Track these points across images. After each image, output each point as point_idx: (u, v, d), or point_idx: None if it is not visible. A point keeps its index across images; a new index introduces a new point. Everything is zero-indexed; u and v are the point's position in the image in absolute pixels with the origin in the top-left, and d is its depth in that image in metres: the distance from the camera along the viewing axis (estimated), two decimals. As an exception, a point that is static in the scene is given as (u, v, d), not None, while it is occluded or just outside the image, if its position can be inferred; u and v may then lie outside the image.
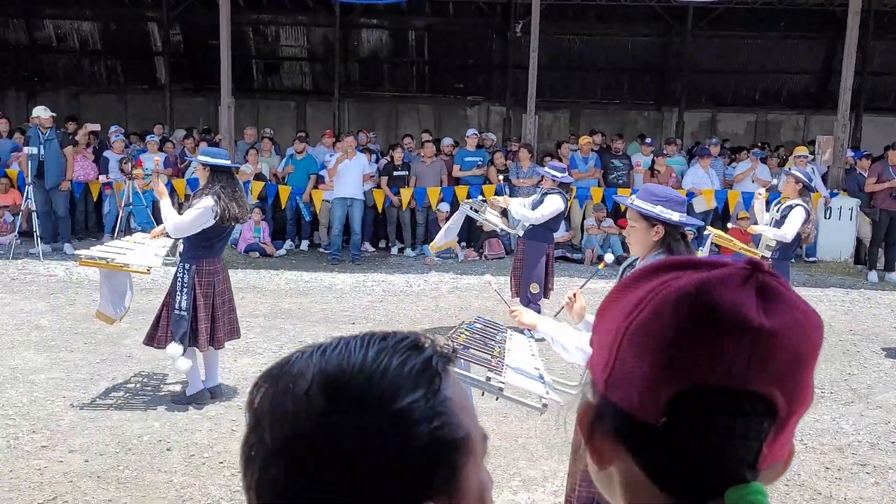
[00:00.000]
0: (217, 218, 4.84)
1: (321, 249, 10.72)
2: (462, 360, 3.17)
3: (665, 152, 11.25)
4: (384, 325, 7.16)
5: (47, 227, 9.72)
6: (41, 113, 9.59)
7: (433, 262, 10.07)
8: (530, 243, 6.58)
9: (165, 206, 4.97)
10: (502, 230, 7.45)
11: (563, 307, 3.21)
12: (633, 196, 2.96)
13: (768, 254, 5.87)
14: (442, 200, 10.51)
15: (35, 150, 9.42)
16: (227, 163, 5.03)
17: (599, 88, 17.08)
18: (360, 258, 10.15)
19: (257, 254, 10.05)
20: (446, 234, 7.41)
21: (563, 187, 6.56)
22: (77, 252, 7.42)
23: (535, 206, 6.59)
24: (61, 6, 16.03)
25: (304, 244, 10.87)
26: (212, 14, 15.63)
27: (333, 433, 0.63)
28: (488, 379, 2.70)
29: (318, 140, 12.05)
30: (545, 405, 2.68)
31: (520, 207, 6.54)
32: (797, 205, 5.80)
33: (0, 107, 16.19)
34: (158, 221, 9.97)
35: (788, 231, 5.75)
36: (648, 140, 11.99)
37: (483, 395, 2.82)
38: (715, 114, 16.72)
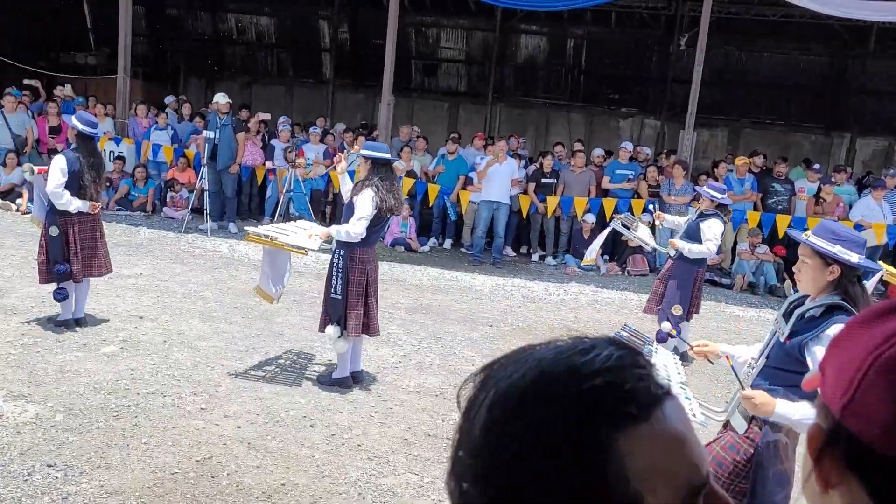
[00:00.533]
0: (376, 209, 5.05)
1: (463, 249, 10.89)
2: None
3: (833, 180, 10.54)
4: (522, 331, 7.19)
5: (216, 206, 10.48)
6: (220, 99, 10.35)
7: (574, 272, 9.98)
8: (681, 264, 6.37)
9: (334, 229, 5.22)
10: (652, 248, 7.27)
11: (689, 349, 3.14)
12: (809, 232, 2.81)
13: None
14: (588, 211, 10.39)
15: (212, 134, 10.18)
16: (388, 156, 5.23)
17: (763, 107, 16.25)
18: (500, 262, 10.23)
19: (402, 248, 10.36)
20: (593, 248, 7.34)
21: (721, 209, 6.31)
22: (243, 230, 7.95)
23: (691, 228, 6.38)
24: (245, 1, 17.20)
25: (448, 243, 11.08)
26: (379, 14, 16.29)
27: (537, 436, 0.66)
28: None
29: (469, 142, 12.24)
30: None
31: (688, 245, 6.30)
32: None
33: (183, 92, 17.64)
34: (315, 209, 10.52)
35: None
36: (816, 166, 11.29)
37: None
38: (892, 143, 15.47)
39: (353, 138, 11.40)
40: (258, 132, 11.47)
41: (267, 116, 11.82)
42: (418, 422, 4.90)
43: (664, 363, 3.22)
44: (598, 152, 11.47)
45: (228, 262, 8.89)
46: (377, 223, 5.17)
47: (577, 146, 11.38)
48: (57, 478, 3.77)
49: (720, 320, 8.43)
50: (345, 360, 5.35)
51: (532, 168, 11.08)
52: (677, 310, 6.22)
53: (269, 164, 11.14)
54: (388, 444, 4.53)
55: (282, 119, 12.37)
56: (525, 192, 10.70)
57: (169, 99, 13.35)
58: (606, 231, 7.01)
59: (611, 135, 16.70)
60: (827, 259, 2.69)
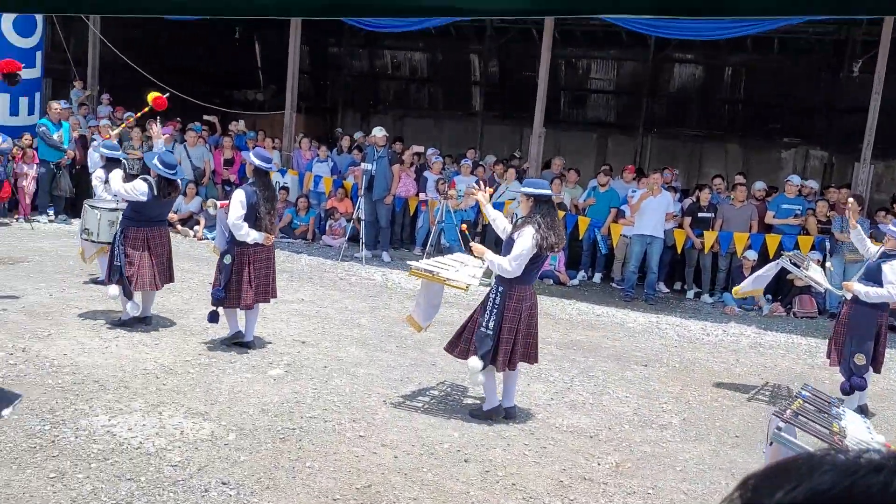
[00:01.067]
0: (536, 247, 5.03)
1: (613, 284, 10.63)
2: (795, 428, 2.93)
3: None
4: (679, 372, 6.89)
5: (370, 235, 10.86)
6: (378, 132, 10.77)
7: (733, 312, 9.46)
8: (860, 309, 5.87)
9: (490, 256, 5.26)
10: (825, 289, 6.77)
11: None
12: None
13: None
14: (749, 248, 9.85)
15: (369, 166, 10.59)
16: (549, 192, 5.21)
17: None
18: (653, 298, 9.88)
19: (551, 281, 10.26)
20: (755, 282, 6.93)
21: (908, 250, 5.78)
22: (395, 259, 8.10)
23: (870, 269, 5.87)
24: (401, 38, 17.90)
25: (598, 277, 10.86)
26: (528, 47, 16.45)
27: None
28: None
29: (618, 174, 12.00)
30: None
31: (865, 287, 5.81)
32: None
33: (340, 125, 18.55)
34: (465, 240, 10.64)
35: None
36: None
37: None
38: None
39: (503, 170, 11.48)
40: (412, 164, 11.81)
41: (420, 149, 12.16)
42: (573, 464, 4.78)
43: (857, 427, 2.96)
44: (759, 185, 10.88)
45: (382, 290, 9.16)
46: (536, 260, 5.14)
47: (739, 179, 10.84)
48: (230, 496, 3.98)
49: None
50: (491, 391, 5.34)
51: (688, 201, 10.67)
52: (860, 359, 5.72)
53: (421, 196, 11.43)
54: (543, 486, 4.45)
55: (432, 151, 12.68)
56: (680, 226, 10.31)
57: (339, 131, 14.06)
58: (770, 266, 6.58)
59: (771, 167, 15.80)
60: None
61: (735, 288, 7.12)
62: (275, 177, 11.65)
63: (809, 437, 2.80)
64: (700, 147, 16.75)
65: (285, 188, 11.93)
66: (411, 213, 11.82)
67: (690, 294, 10.40)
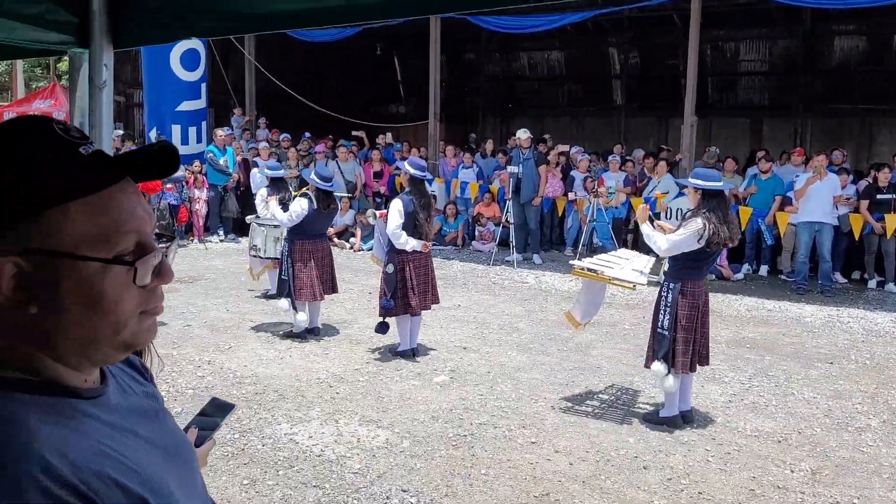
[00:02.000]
0: (703, 241, 4.76)
1: (782, 277, 9.94)
2: None
3: None
4: (872, 370, 6.30)
5: (520, 239, 10.79)
6: (522, 135, 10.69)
7: (926, 301, 8.59)
8: None
9: (646, 229, 5.04)
10: None
11: None
12: None
13: None
14: (940, 229, 8.91)
15: (515, 169, 10.53)
16: (719, 185, 4.91)
17: None
18: (830, 289, 9.15)
19: (714, 276, 9.73)
20: None
21: None
22: (546, 261, 7.96)
23: None
24: (536, 39, 17.77)
25: (764, 269, 10.20)
26: (669, 35, 15.81)
27: None
28: None
29: (779, 158, 11.24)
30: None
31: None
32: None
33: (481, 129, 18.66)
34: (617, 237, 10.36)
35: None
36: None
37: None
38: None
39: (653, 164, 11.07)
40: (557, 164, 11.63)
41: (566, 148, 11.97)
42: (763, 471, 4.46)
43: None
44: (949, 160, 9.83)
45: (536, 293, 9.05)
46: (708, 255, 4.86)
47: (923, 154, 9.84)
48: (412, 503, 4.01)
49: None
50: (673, 398, 5.07)
51: (864, 183, 9.80)
52: None
53: (570, 195, 11.23)
54: (732, 495, 4.17)
55: (577, 149, 12.43)
56: (857, 210, 9.49)
57: (472, 136, 14.16)
58: None
59: (954, 138, 14.33)
60: None
61: None
62: (423, 185, 11.88)
63: None
64: (869, 124, 15.42)
65: (433, 196, 12.09)
66: (560, 214, 11.64)
67: (872, 283, 9.54)
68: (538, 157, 10.89)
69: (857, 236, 9.58)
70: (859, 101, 15.46)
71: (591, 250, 10.09)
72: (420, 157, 12.55)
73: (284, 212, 6.71)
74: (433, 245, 11.42)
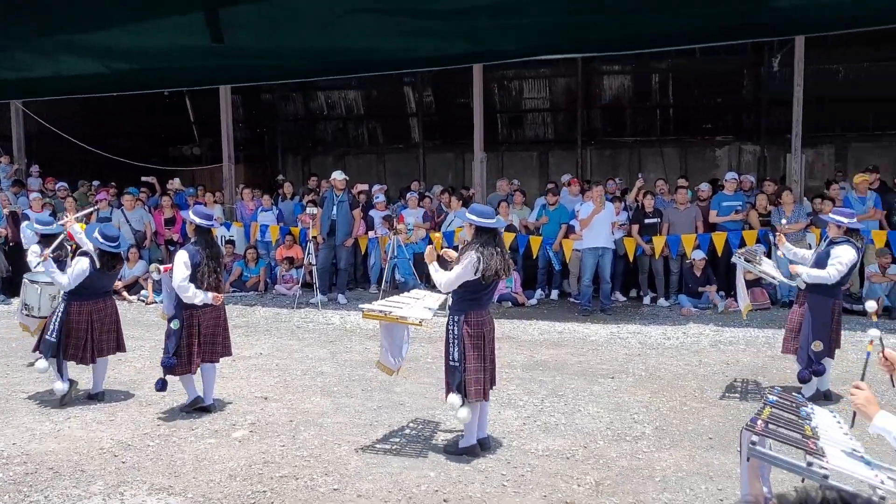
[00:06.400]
0: (478, 274, 5.00)
1: (571, 299, 10.68)
2: (770, 441, 2.92)
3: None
4: (645, 381, 6.90)
5: (324, 280, 10.72)
6: (337, 176, 10.67)
7: (690, 312, 9.59)
8: (815, 297, 5.98)
9: (432, 268, 5.24)
10: (780, 282, 6.89)
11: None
12: None
13: None
14: (697, 248, 10.02)
15: (314, 210, 10.47)
16: (491, 222, 5.18)
17: (870, 120, 15.38)
18: (610, 308, 9.95)
19: (510, 303, 10.25)
20: (741, 294, 7.04)
21: (853, 234, 5.92)
22: (351, 300, 7.99)
23: (820, 257, 6.01)
24: (332, 79, 17.90)
25: (555, 294, 10.89)
26: (461, 74, 16.60)
27: None
28: (809, 464, 2.44)
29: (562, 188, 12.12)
30: (883, 498, 2.34)
31: (806, 268, 5.97)
32: None
33: (281, 169, 18.40)
34: (419, 273, 10.59)
35: None
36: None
37: (803, 480, 2.55)
38: None
39: (448, 199, 11.49)
40: (358, 203, 11.73)
41: (365, 186, 12.10)
42: (553, 488, 4.72)
43: (829, 426, 2.97)
44: (703, 187, 11.10)
45: (342, 334, 9.02)
46: (485, 287, 5.11)
47: (681, 182, 11.03)
48: (205, 572, 3.80)
49: (858, 351, 7.84)
50: (471, 428, 5.24)
51: (632, 206, 10.81)
52: (818, 346, 5.82)
53: (371, 234, 11.34)
54: (526, 516, 4.37)
55: (376, 188, 12.62)
56: (629, 234, 10.44)
57: (280, 178, 13.97)
58: (738, 272, 6.74)
59: (707, 165, 16.22)
60: None
61: (742, 309, 7.13)
62: (220, 230, 11.46)
63: (784, 446, 2.79)
64: (638, 153, 17.08)
65: (231, 241, 11.72)
66: (363, 252, 11.72)
67: (647, 300, 10.51)
68: (352, 200, 10.92)
69: (631, 258, 10.52)
70: (629, 133, 17.13)
71: (395, 287, 10.25)
72: (216, 201, 12.14)
73: (63, 272, 6.19)
74: (233, 292, 11.11)
